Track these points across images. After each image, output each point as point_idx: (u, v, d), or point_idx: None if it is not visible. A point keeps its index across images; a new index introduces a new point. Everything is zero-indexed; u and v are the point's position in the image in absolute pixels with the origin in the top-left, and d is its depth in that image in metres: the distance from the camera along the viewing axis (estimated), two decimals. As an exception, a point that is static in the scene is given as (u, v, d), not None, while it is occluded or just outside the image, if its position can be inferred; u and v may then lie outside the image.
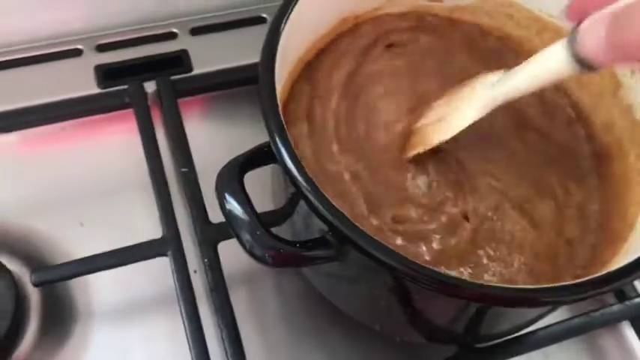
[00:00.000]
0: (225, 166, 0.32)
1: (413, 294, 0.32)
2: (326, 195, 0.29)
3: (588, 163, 0.39)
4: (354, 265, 0.32)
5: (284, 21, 0.33)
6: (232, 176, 0.31)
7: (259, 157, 0.32)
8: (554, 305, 0.30)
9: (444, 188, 0.36)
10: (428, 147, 0.35)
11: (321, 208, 0.29)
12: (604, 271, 0.30)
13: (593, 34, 0.27)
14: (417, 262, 0.28)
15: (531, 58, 0.31)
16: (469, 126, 0.34)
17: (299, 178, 0.29)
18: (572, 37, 0.28)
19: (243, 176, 0.32)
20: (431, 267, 0.29)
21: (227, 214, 0.31)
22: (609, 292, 0.30)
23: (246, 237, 0.31)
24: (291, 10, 0.33)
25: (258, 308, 0.42)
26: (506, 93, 0.33)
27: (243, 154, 0.32)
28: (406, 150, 0.36)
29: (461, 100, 0.35)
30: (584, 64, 0.28)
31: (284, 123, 0.31)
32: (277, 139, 0.30)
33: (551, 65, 0.30)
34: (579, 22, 0.28)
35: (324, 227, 0.31)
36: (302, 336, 0.41)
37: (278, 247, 0.30)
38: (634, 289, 0.43)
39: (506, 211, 0.36)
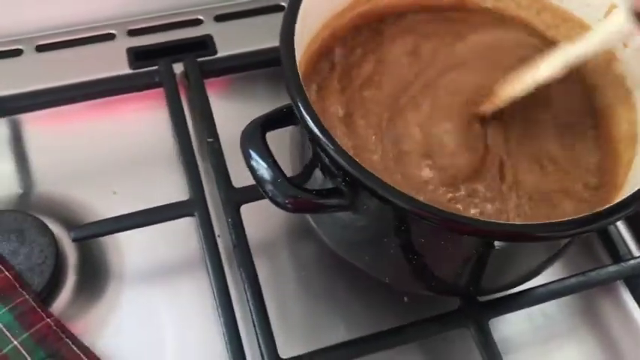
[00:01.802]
0: (248, 125, 0.35)
1: (419, 238, 0.35)
2: (340, 144, 0.32)
3: (589, 132, 0.42)
4: (365, 213, 0.35)
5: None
6: (254, 133, 0.35)
7: (279, 117, 0.36)
8: (546, 240, 0.33)
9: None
10: (504, 102, 0.39)
11: (335, 154, 0.32)
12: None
13: None
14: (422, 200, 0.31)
15: (596, 26, 0.36)
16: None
17: (314, 128, 0.33)
18: None
19: (265, 134, 0.35)
20: (437, 206, 0.32)
21: (251, 166, 0.34)
22: (595, 230, 0.32)
23: (269, 186, 0.34)
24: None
25: (276, 271, 0.45)
26: (576, 56, 0.37)
27: (264, 114, 0.36)
28: (484, 105, 0.39)
29: (538, 64, 0.38)
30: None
31: (303, 83, 0.35)
32: (297, 96, 0.34)
33: (614, 28, 0.35)
34: None
35: (337, 180, 0.34)
36: (316, 294, 0.44)
37: (296, 194, 0.34)
38: (629, 251, 0.46)
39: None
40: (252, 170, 0.34)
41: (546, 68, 0.38)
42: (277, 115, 0.36)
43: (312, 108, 0.33)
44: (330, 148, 0.32)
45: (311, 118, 0.33)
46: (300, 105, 0.33)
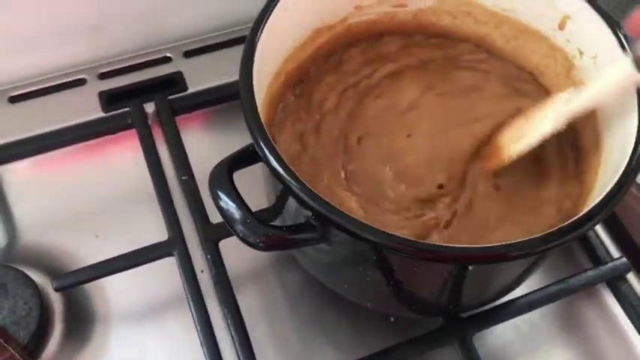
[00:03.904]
0: (215, 167, 0.36)
1: (393, 266, 0.35)
2: (304, 181, 0.33)
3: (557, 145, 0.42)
4: (338, 245, 0.35)
5: (259, 32, 0.37)
6: (222, 174, 0.35)
7: (245, 156, 0.36)
8: (520, 258, 0.33)
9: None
10: (509, 158, 0.38)
11: (299, 192, 0.33)
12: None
13: None
14: (389, 232, 0.32)
15: (599, 77, 0.36)
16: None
17: (278, 167, 0.33)
18: (632, 47, 0.33)
19: (232, 174, 0.35)
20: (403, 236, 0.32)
21: (220, 208, 0.35)
22: (567, 242, 0.32)
23: (239, 227, 0.34)
24: (266, 22, 0.37)
25: (262, 301, 0.45)
26: (579, 107, 0.37)
27: (230, 155, 0.36)
28: (485, 162, 0.40)
29: (539, 116, 0.39)
30: None
31: (264, 124, 0.35)
32: (258, 137, 0.34)
33: (617, 78, 0.35)
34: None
35: (308, 213, 0.34)
36: (304, 321, 0.45)
37: (267, 233, 0.34)
38: (608, 254, 0.46)
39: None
40: (222, 211, 0.35)
41: (550, 122, 0.37)
42: (243, 154, 0.36)
43: (274, 147, 0.34)
44: (294, 186, 0.33)
45: (274, 158, 0.33)
46: (262, 145, 0.34)
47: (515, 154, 0.38)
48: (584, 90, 0.37)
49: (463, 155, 0.40)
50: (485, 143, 0.40)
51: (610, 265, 0.45)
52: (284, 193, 0.37)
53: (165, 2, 0.53)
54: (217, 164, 0.36)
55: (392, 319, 0.44)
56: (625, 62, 0.34)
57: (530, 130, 0.38)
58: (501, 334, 0.45)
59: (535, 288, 0.44)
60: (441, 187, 0.39)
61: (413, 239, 0.32)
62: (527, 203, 0.39)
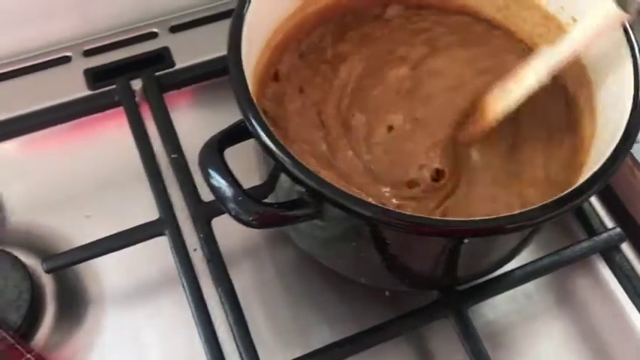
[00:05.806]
0: (205, 144, 0.35)
1: (387, 241, 0.35)
2: (296, 157, 0.32)
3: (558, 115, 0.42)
4: (332, 221, 0.35)
5: (247, 1, 0.36)
6: (212, 152, 0.34)
7: (236, 132, 0.35)
8: (516, 230, 0.33)
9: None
10: (496, 118, 0.38)
11: (292, 168, 0.32)
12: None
13: None
14: (385, 206, 0.31)
15: (580, 22, 0.36)
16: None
17: (269, 142, 0.32)
18: None
19: (222, 151, 0.35)
20: (398, 210, 0.32)
21: (211, 186, 0.34)
22: (564, 212, 0.32)
23: (231, 205, 0.34)
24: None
25: (256, 279, 0.45)
26: (564, 58, 0.36)
27: (220, 132, 0.35)
28: (473, 125, 0.39)
29: (523, 71, 0.38)
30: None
31: (254, 98, 0.34)
32: (248, 112, 0.34)
33: (599, 19, 0.35)
34: None
35: (301, 189, 0.34)
36: (298, 299, 0.44)
37: (260, 210, 0.33)
38: (602, 224, 0.46)
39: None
40: (213, 189, 0.34)
41: (533, 77, 0.37)
42: (234, 130, 0.36)
43: (265, 122, 0.33)
44: (287, 162, 0.32)
45: (265, 134, 0.33)
46: (252, 120, 0.33)
47: (501, 112, 0.38)
48: (566, 39, 0.36)
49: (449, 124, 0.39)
50: (472, 110, 0.40)
51: (604, 235, 0.45)
52: (276, 169, 0.36)
53: (150, -24, 0.52)
54: (207, 141, 0.35)
55: (387, 293, 0.44)
56: (606, 3, 0.34)
57: (514, 87, 0.38)
58: (497, 306, 0.44)
59: (530, 260, 0.44)
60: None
61: (407, 213, 0.32)
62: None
